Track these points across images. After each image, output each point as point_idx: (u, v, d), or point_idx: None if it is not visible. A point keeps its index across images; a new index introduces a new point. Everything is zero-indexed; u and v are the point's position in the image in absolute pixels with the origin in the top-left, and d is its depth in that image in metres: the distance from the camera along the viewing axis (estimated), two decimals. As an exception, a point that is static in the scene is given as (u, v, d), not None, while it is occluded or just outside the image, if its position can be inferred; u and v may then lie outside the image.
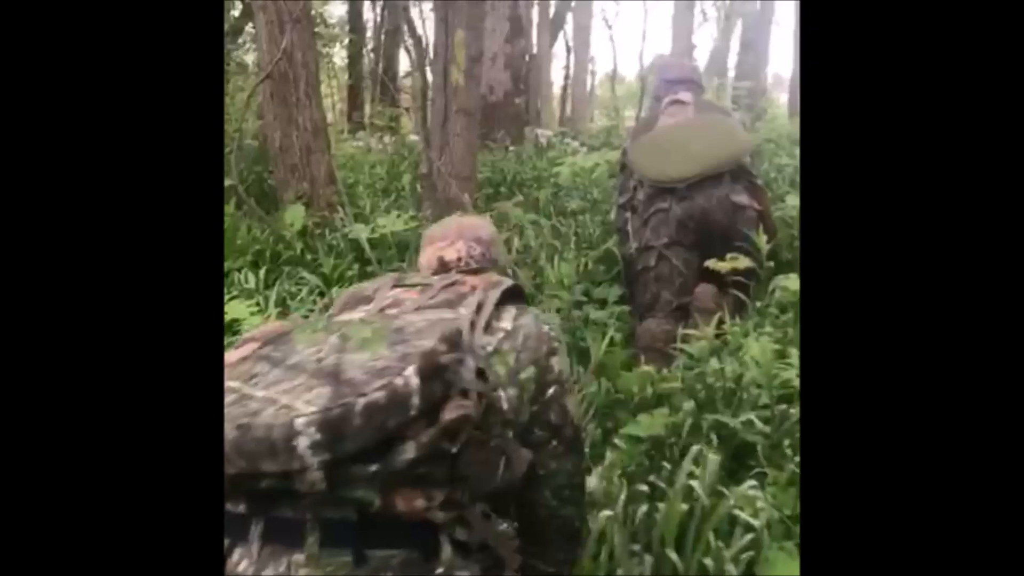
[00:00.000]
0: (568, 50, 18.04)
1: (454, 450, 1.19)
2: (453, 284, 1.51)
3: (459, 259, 1.72)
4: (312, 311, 3.16)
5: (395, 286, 1.56)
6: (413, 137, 7.82)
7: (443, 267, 1.71)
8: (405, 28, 9.56)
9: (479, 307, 1.44)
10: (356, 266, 3.89)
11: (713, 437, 2.04)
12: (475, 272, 1.69)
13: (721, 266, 2.55)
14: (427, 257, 1.76)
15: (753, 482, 1.64)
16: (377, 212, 4.64)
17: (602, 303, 3.33)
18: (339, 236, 4.18)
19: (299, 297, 3.34)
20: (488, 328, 1.42)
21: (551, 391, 1.51)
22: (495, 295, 1.49)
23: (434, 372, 1.17)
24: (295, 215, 4.30)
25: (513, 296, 1.56)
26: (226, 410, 1.13)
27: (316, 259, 3.98)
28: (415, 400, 1.14)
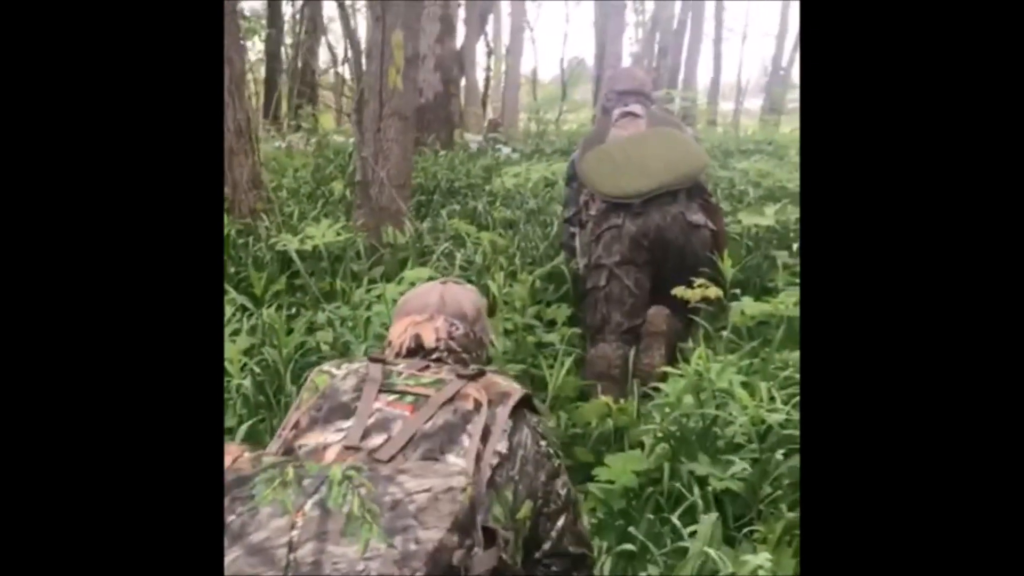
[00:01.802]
0: (489, 52, 17.90)
1: None
2: (453, 399, 1.28)
3: (438, 340, 1.48)
4: (239, 331, 2.90)
5: (381, 390, 1.31)
6: (337, 137, 7.53)
7: (419, 347, 1.47)
8: (331, 22, 9.25)
9: (486, 434, 1.24)
10: (284, 279, 3.62)
11: (695, 487, 1.88)
12: (459, 354, 1.49)
13: (691, 295, 2.41)
14: (400, 331, 1.51)
15: (768, 555, 1.48)
16: (305, 220, 4.37)
17: (551, 324, 3.15)
18: (264, 247, 3.90)
19: (225, 318, 3.05)
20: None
21: (562, 520, 1.35)
22: (504, 416, 1.28)
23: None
24: (216, 223, 3.98)
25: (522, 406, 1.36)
26: None
27: (239, 272, 3.68)
28: None
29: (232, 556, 0.95)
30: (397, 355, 1.49)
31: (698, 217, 3.07)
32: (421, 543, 0.97)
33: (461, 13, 10.81)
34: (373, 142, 4.23)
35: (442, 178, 5.53)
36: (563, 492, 1.36)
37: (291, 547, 0.96)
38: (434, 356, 1.47)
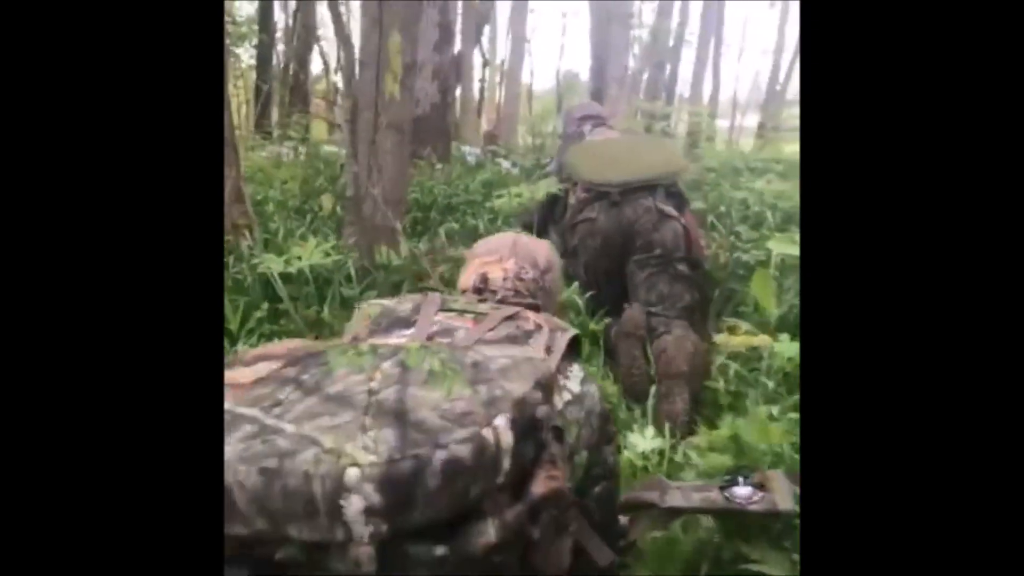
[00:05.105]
0: (484, 63, 17.59)
1: (536, 535, 0.92)
2: (514, 316, 1.26)
3: (505, 279, 1.46)
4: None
5: (441, 310, 1.28)
6: (328, 148, 7.19)
7: (485, 286, 1.45)
8: (324, 28, 8.90)
9: (548, 351, 1.20)
10: (266, 305, 3.27)
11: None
12: (526, 298, 1.45)
13: (735, 342, 2.08)
14: (468, 274, 1.50)
15: None
16: (291, 239, 4.02)
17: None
18: (246, 268, 3.54)
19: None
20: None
21: (599, 488, 1.26)
22: (564, 341, 1.25)
23: (529, 428, 0.91)
24: (194, 241, 3.64)
25: (574, 350, 1.31)
26: (240, 445, 0.81)
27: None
28: (506, 463, 0.86)
29: (307, 407, 0.87)
30: (464, 293, 1.47)
31: (670, 208, 3.11)
32: (506, 391, 0.90)
33: (459, 22, 10.50)
34: (367, 155, 3.90)
35: (439, 193, 5.20)
36: (610, 460, 1.30)
37: (371, 392, 0.89)
38: (499, 297, 1.44)
